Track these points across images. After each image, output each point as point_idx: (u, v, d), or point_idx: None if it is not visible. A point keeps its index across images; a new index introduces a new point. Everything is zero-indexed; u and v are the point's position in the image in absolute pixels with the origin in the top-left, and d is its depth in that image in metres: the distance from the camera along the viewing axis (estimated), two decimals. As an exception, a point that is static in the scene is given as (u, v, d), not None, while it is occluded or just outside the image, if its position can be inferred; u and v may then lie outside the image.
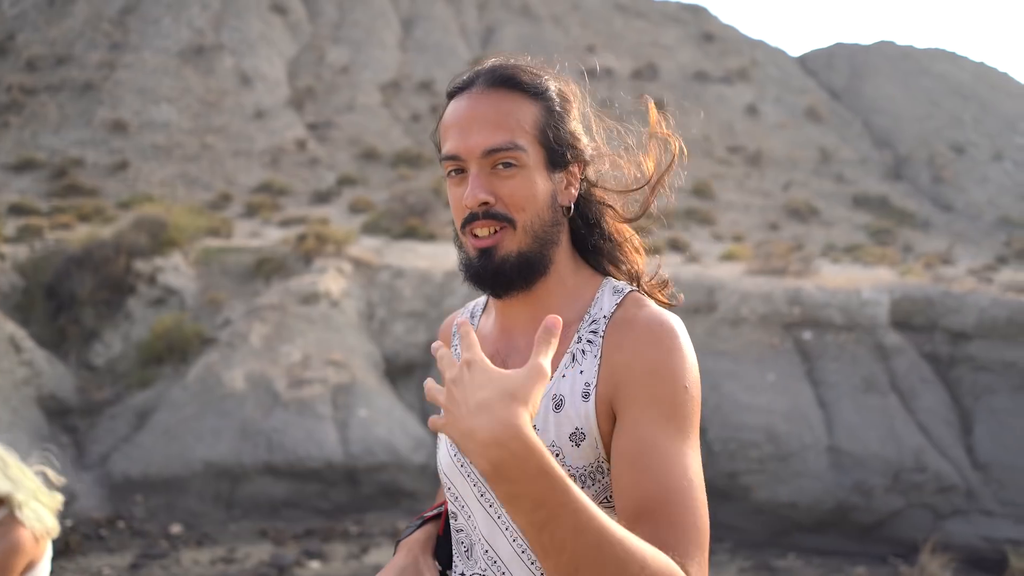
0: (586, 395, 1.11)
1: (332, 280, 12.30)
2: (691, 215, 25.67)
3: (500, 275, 1.15)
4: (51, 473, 2.32)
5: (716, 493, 10.46)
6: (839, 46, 44.77)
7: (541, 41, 35.77)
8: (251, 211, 20.26)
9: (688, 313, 12.20)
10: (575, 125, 1.22)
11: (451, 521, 1.26)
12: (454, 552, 1.25)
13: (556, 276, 1.19)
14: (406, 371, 11.69)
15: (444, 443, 1.27)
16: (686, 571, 0.94)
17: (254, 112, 27.72)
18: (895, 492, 10.27)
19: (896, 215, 29.25)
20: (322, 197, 22.96)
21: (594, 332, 1.15)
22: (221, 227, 15.87)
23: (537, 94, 1.18)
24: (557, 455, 1.11)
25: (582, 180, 1.23)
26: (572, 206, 1.21)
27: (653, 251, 1.35)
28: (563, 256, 1.20)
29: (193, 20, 31.27)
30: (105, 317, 12.44)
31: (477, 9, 38.37)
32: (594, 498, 1.12)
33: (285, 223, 18.08)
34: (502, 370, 0.89)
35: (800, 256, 16.30)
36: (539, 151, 1.16)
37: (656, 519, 0.98)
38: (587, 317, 1.17)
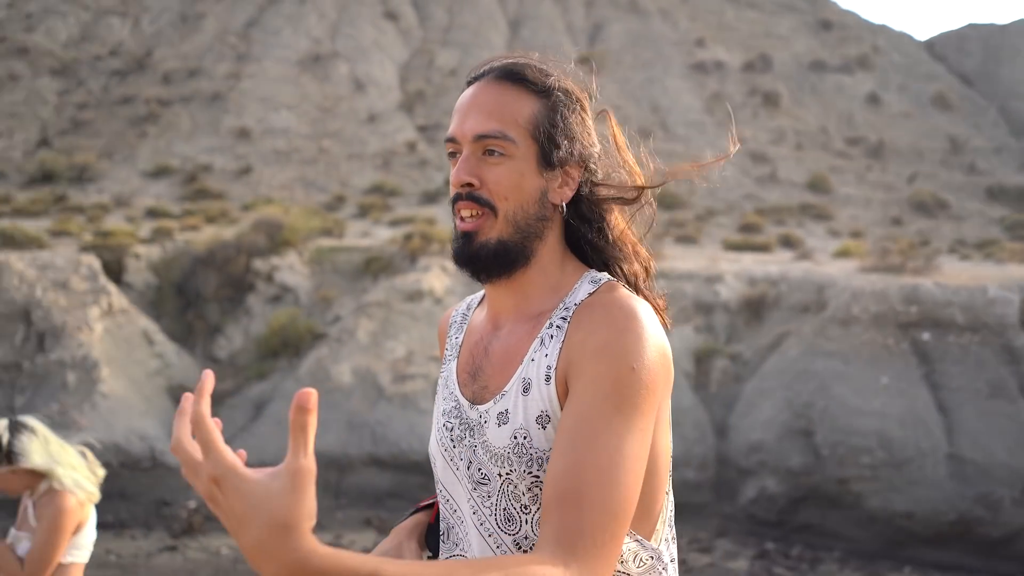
0: (548, 378, 1.14)
1: (436, 278, 12.61)
2: (806, 210, 24.71)
3: (477, 260, 1.19)
4: (89, 454, 2.63)
5: (824, 499, 10.05)
6: (971, 27, 41.93)
7: (649, 36, 35.30)
8: (363, 212, 21.02)
9: (796, 312, 11.77)
10: (579, 127, 1.23)
11: (440, 506, 1.31)
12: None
13: (539, 267, 1.22)
14: (507, 368, 11.84)
15: (435, 429, 1.31)
16: (565, 565, 0.96)
17: (367, 116, 28.71)
18: (1025, 505, 9.57)
19: (1036, 208, 27.12)
20: (431, 197, 23.54)
21: (563, 319, 1.18)
22: (334, 227, 16.56)
23: (540, 91, 1.20)
24: (525, 438, 1.15)
25: (585, 182, 1.24)
26: (564, 206, 1.23)
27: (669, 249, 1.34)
28: (549, 251, 1.23)
29: (311, 30, 32.71)
30: (228, 313, 13.24)
31: (584, 7, 38.26)
32: None
33: (395, 223, 18.66)
34: (257, 483, 0.79)
35: (923, 252, 15.42)
36: (531, 146, 1.19)
37: (566, 504, 1.01)
38: (561, 305, 1.20)
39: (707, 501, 10.29)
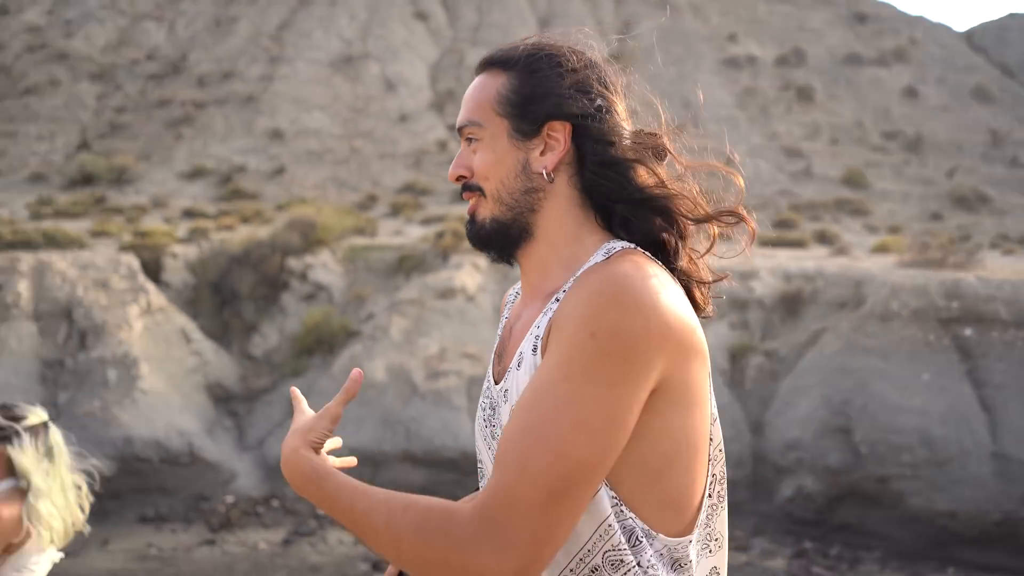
0: (535, 348, 1.13)
1: (468, 276, 12.62)
2: (842, 206, 24.34)
3: (478, 240, 1.23)
4: (84, 488, 2.27)
5: (864, 498, 9.89)
6: (1012, 17, 40.96)
7: (680, 32, 35.02)
8: (395, 210, 21.12)
9: (833, 308, 11.59)
10: (555, 82, 1.16)
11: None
12: None
13: (546, 242, 1.18)
14: (540, 365, 11.82)
15: (479, 414, 1.30)
16: (473, 518, 1.01)
17: (398, 116, 28.86)
18: (1073, 505, 9.32)
19: (1081, 201, 26.41)
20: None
21: (565, 291, 1.13)
22: (367, 226, 16.66)
23: (505, 65, 1.22)
24: None
25: (585, 142, 1.16)
26: (550, 173, 1.16)
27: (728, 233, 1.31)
28: (555, 224, 1.17)
29: (342, 31, 32.96)
30: (263, 311, 13.38)
31: (614, 4, 38.09)
32: None
33: (426, 221, 18.72)
34: (306, 416, 1.25)
35: (964, 247, 15.09)
36: (499, 122, 1.20)
37: (497, 466, 1.04)
38: (572, 278, 1.13)
39: (743, 499, 10.18)
